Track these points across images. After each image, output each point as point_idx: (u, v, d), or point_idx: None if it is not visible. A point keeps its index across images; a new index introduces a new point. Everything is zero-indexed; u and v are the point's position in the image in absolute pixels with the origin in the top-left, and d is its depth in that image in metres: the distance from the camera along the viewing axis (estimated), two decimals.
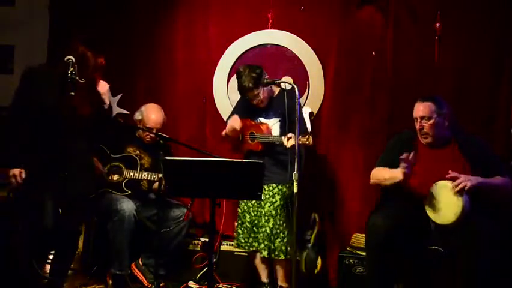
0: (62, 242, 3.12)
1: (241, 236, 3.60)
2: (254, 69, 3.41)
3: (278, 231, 3.44)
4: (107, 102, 3.18)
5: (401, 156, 2.93)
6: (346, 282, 3.55)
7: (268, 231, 3.44)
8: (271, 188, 3.48)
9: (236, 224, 3.67)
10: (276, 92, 3.58)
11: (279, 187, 3.47)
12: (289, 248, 3.42)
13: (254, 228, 3.55)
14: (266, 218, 3.45)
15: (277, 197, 3.46)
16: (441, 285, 3.08)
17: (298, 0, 4.06)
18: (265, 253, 3.45)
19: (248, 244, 3.57)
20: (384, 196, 3.24)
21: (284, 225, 3.45)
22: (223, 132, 3.65)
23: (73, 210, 3.02)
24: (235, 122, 3.51)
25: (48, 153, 2.92)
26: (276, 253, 3.44)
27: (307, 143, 3.06)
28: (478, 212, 2.87)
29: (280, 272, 3.54)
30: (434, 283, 3.12)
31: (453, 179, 2.86)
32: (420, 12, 3.83)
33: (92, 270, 3.69)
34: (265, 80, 3.37)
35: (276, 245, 3.43)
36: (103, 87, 3.13)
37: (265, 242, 3.44)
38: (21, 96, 3.00)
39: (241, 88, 3.46)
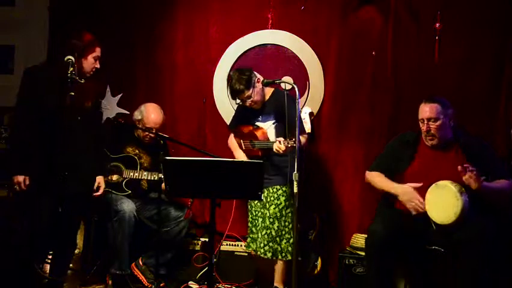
0: (61, 240, 3.12)
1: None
2: (243, 71, 3.45)
3: (283, 232, 3.42)
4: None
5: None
6: (346, 282, 3.54)
7: (273, 233, 3.43)
8: (275, 189, 3.47)
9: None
10: (269, 94, 3.57)
11: (283, 188, 3.46)
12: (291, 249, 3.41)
13: (253, 229, 3.55)
14: (271, 220, 3.44)
15: (282, 199, 3.45)
16: (442, 285, 3.08)
17: (298, 0, 4.06)
18: (269, 255, 3.44)
19: (246, 244, 3.58)
20: (384, 199, 3.23)
21: (290, 226, 3.44)
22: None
23: (71, 208, 3.02)
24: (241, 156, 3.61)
25: (49, 152, 2.92)
26: (283, 254, 3.42)
27: (295, 145, 2.99)
28: (478, 212, 2.87)
29: (278, 274, 3.52)
30: (434, 283, 3.12)
31: (461, 172, 2.83)
32: (420, 12, 3.83)
33: (92, 270, 3.69)
34: (258, 80, 3.42)
35: (282, 246, 3.42)
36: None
37: (270, 244, 3.42)
38: (24, 99, 3.00)
39: (232, 91, 3.46)
